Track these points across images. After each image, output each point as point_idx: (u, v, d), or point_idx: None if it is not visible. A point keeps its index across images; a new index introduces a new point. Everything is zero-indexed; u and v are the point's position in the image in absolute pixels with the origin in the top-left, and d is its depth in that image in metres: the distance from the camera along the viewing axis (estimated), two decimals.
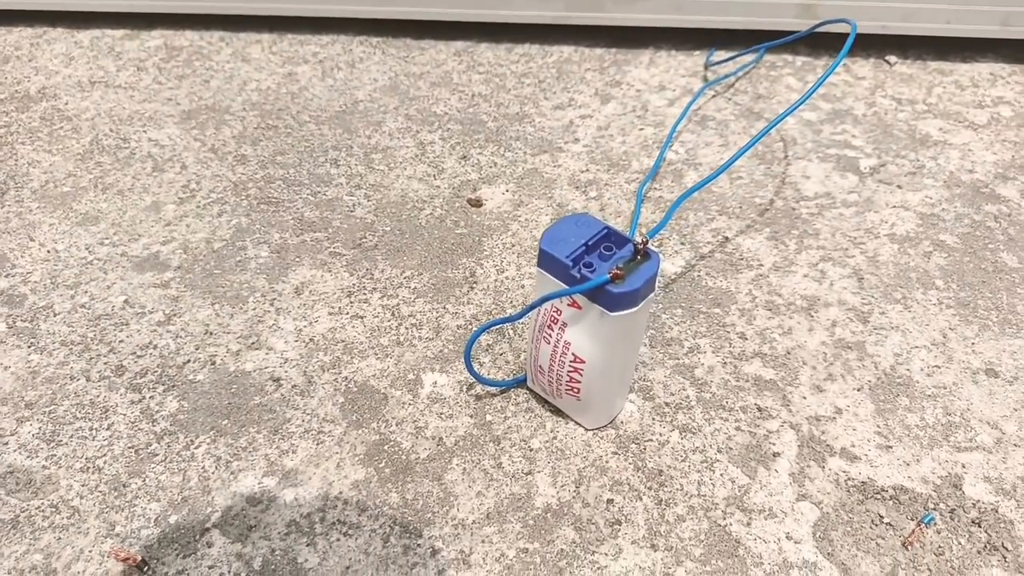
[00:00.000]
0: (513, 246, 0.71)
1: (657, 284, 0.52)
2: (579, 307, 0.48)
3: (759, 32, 0.98)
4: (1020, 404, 0.58)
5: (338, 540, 0.49)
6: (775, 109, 0.89)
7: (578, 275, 0.47)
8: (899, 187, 0.78)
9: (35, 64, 0.98)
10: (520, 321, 0.63)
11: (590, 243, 0.48)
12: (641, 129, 0.85)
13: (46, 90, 0.93)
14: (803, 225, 0.73)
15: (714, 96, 0.91)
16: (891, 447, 0.55)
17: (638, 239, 0.47)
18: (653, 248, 0.48)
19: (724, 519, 0.50)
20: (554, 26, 1.03)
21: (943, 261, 0.69)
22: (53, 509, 0.51)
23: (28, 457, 0.54)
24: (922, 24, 0.97)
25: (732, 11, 0.97)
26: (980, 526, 0.50)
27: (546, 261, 0.48)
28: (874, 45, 1.01)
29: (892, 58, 0.99)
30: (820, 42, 1.00)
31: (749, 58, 0.97)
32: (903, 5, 0.96)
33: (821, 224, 0.73)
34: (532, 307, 0.50)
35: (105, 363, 0.60)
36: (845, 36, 0.98)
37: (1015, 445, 0.55)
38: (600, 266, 0.47)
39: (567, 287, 0.47)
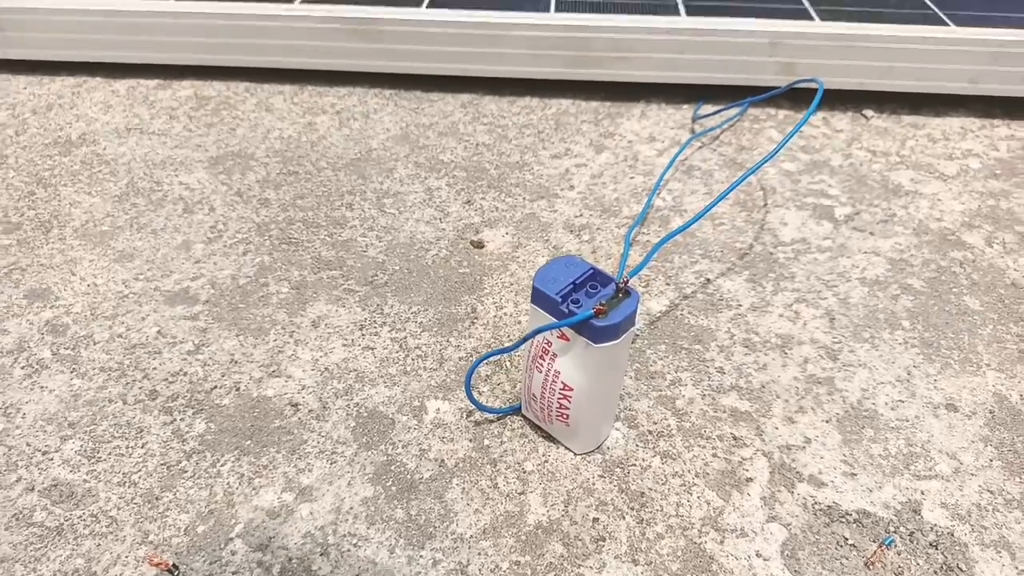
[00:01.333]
0: (511, 285, 0.77)
1: (637, 319, 0.58)
2: (567, 339, 0.54)
3: (744, 88, 1.06)
4: (977, 437, 0.63)
5: (348, 550, 0.54)
6: (757, 160, 0.95)
7: (566, 310, 0.53)
8: (871, 234, 0.84)
9: (76, 111, 1.06)
10: (515, 352, 0.69)
11: (577, 282, 0.54)
12: (632, 177, 0.92)
13: (86, 136, 1.01)
14: (780, 268, 0.79)
15: (700, 147, 0.98)
16: (856, 474, 0.60)
17: (621, 279, 0.53)
18: (633, 287, 0.54)
19: (700, 537, 0.55)
20: (553, 81, 1.11)
21: (910, 303, 0.75)
22: (93, 519, 0.56)
23: (71, 471, 0.60)
24: (897, 81, 1.04)
25: (718, 68, 1.04)
26: (937, 548, 0.55)
27: (538, 298, 0.55)
28: (852, 100, 1.08)
29: (869, 112, 1.06)
30: (801, 97, 1.07)
31: (735, 111, 1.04)
32: (879, 64, 1.03)
33: (796, 268, 0.79)
34: (526, 339, 0.56)
35: (140, 388, 0.66)
36: (826, 92, 1.05)
37: (971, 474, 0.60)
38: (586, 302, 0.53)
39: (556, 320, 0.53)
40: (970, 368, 0.68)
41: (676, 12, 1.06)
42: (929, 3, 1.10)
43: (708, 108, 1.05)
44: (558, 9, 1.07)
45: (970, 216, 0.87)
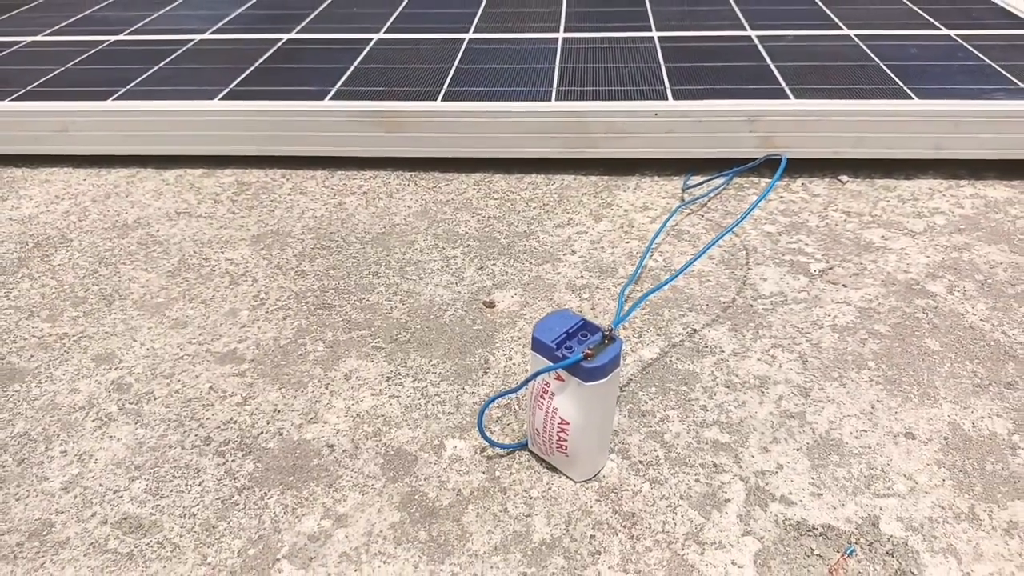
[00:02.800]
0: (520, 339, 0.87)
1: (622, 362, 0.67)
2: (562, 379, 0.63)
3: (727, 160, 1.17)
4: (932, 460, 0.71)
5: (379, 566, 0.63)
6: (741, 225, 1.06)
7: (560, 355, 0.63)
8: (844, 286, 0.93)
9: (131, 199, 1.20)
10: (519, 393, 0.78)
11: (570, 331, 0.64)
12: (627, 242, 1.03)
13: (140, 220, 1.14)
14: (759, 319, 0.88)
15: (689, 214, 1.09)
16: (822, 494, 0.68)
17: (607, 329, 0.63)
18: (617, 335, 0.63)
19: (683, 550, 0.63)
20: (556, 160, 1.23)
21: (876, 346, 0.84)
22: (159, 545, 0.66)
23: (138, 507, 0.69)
24: (868, 149, 1.15)
25: (703, 144, 1.16)
26: (893, 556, 0.63)
27: (537, 345, 0.64)
28: (829, 167, 1.19)
29: (844, 177, 1.17)
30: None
31: (721, 181, 1.15)
32: (850, 135, 1.14)
33: (774, 318, 0.88)
34: (528, 381, 0.65)
35: (196, 435, 0.76)
36: (803, 160, 1.17)
37: (925, 492, 0.68)
38: (577, 348, 0.63)
39: (552, 364, 0.63)
40: (928, 401, 0.77)
41: (664, 96, 1.19)
42: (896, 79, 1.22)
43: (696, 179, 1.16)
44: (559, 98, 1.20)
45: (934, 267, 0.96)
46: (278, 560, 0.64)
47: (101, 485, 0.72)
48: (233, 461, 0.73)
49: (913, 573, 0.61)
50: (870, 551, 0.63)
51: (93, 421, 0.79)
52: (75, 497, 0.70)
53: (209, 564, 0.64)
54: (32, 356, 0.87)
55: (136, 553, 0.65)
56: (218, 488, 0.70)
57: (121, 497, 0.70)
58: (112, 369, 0.85)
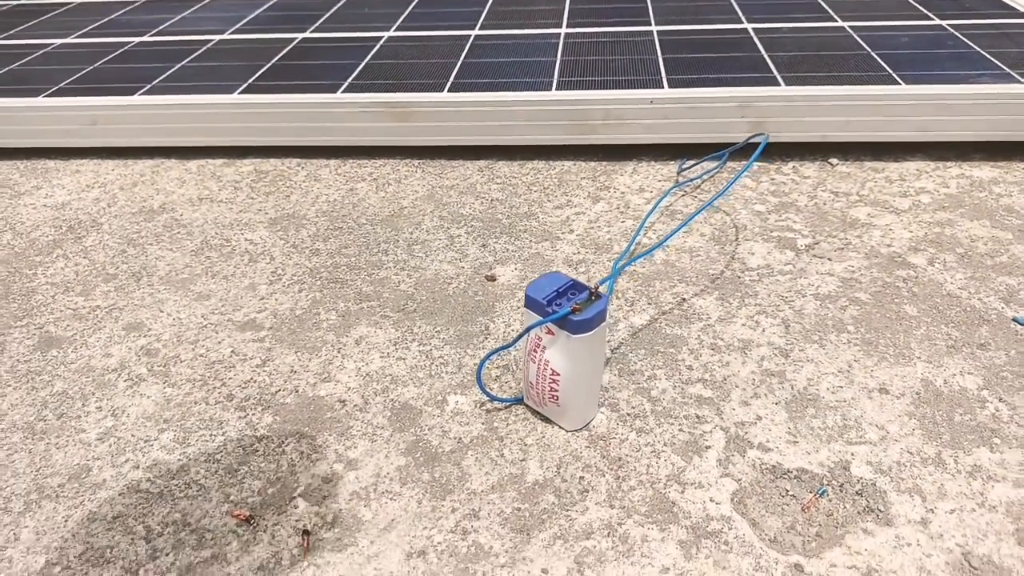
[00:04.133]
0: (518, 308, 0.92)
1: (608, 318, 0.72)
2: (553, 333, 0.69)
3: (720, 144, 1.22)
4: (903, 413, 0.75)
5: (385, 503, 0.68)
6: (732, 204, 1.11)
7: (551, 311, 0.68)
8: (828, 259, 0.98)
9: (156, 186, 1.27)
10: (514, 348, 0.84)
11: (560, 290, 0.70)
12: (623, 222, 1.08)
13: (165, 205, 1.21)
14: (745, 289, 0.93)
15: (683, 195, 1.14)
16: (797, 442, 0.73)
17: (593, 287, 0.68)
18: (602, 293, 0.69)
19: (664, 489, 0.68)
20: (557, 146, 1.29)
21: (856, 312, 0.89)
22: (186, 486, 0.72)
23: (167, 454, 0.75)
24: (855, 133, 1.20)
25: (697, 129, 1.22)
26: (861, 495, 0.68)
27: (530, 303, 0.70)
28: (820, 151, 1.24)
29: (834, 160, 1.22)
30: (773, 149, 1.23)
31: (715, 164, 1.20)
32: (837, 119, 1.19)
33: (760, 288, 0.93)
34: (521, 335, 0.71)
35: (219, 392, 0.82)
36: (796, 144, 1.22)
37: (895, 440, 0.72)
38: (566, 305, 0.69)
39: (543, 318, 0.69)
40: (903, 360, 0.81)
41: (660, 85, 1.25)
42: (885, 66, 1.27)
43: (690, 163, 1.21)
44: (559, 88, 1.26)
45: (917, 242, 1.01)
46: (294, 498, 0.70)
47: (133, 436, 0.78)
48: (253, 415, 0.79)
49: (880, 510, 0.66)
50: (841, 491, 0.68)
51: (125, 381, 0.85)
52: (110, 446, 0.77)
53: (232, 501, 0.70)
54: (68, 326, 0.94)
55: (166, 492, 0.71)
56: (240, 438, 0.77)
57: (151, 446, 0.77)
58: (141, 336, 0.92)
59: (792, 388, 0.79)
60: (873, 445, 0.72)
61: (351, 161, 1.31)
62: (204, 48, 1.57)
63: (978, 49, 1.32)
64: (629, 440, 0.73)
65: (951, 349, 0.83)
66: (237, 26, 1.71)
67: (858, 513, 0.66)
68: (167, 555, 0.66)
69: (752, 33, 1.47)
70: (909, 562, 0.61)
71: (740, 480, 0.69)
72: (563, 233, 1.07)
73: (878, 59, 1.30)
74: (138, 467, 0.74)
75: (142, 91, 1.36)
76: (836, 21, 1.51)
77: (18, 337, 0.93)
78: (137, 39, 1.66)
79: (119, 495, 0.71)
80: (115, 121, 1.34)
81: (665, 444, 0.73)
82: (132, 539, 0.68)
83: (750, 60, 1.33)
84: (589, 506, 0.67)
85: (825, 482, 0.69)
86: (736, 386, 0.79)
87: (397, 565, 0.63)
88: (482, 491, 0.69)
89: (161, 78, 1.42)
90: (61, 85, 1.41)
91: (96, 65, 1.51)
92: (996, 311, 0.88)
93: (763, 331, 0.86)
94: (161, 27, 1.74)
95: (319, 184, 1.24)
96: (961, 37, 1.38)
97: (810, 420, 0.75)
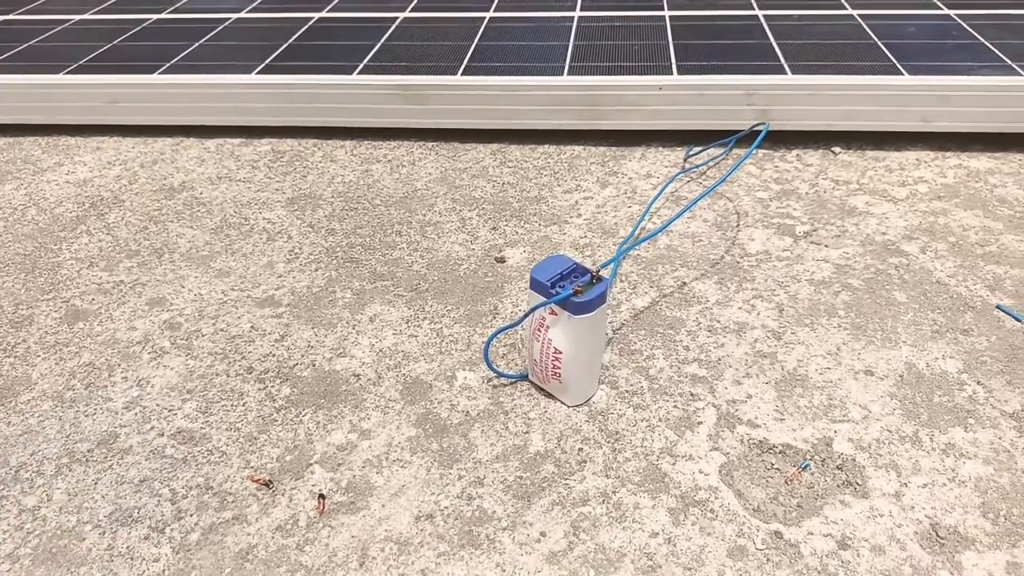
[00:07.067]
0: (526, 290, 0.96)
1: (610, 301, 0.76)
2: (556, 314, 0.73)
3: (727, 131, 1.25)
4: (886, 393, 0.79)
5: (396, 470, 0.73)
6: (735, 191, 1.14)
7: (554, 292, 0.72)
8: (825, 246, 1.02)
9: (176, 165, 1.31)
10: (519, 327, 0.88)
11: (563, 273, 0.74)
12: (629, 207, 1.12)
13: (186, 183, 1.25)
14: (743, 273, 0.97)
15: (689, 181, 1.18)
16: (784, 419, 0.77)
17: (595, 270, 0.72)
18: (604, 276, 0.73)
19: (657, 460, 0.73)
20: (568, 131, 1.32)
21: (847, 298, 0.92)
22: (208, 452, 0.77)
23: (190, 422, 0.80)
24: (858, 122, 1.23)
25: (705, 116, 1.24)
26: (842, 469, 0.72)
27: (535, 285, 0.74)
28: (823, 139, 1.27)
29: (837, 149, 1.25)
30: (778, 138, 1.26)
31: (720, 152, 1.23)
32: (841, 108, 1.22)
33: (757, 273, 0.97)
34: (526, 315, 0.75)
35: (239, 365, 0.87)
36: (800, 133, 1.25)
37: (876, 419, 0.77)
38: (569, 287, 0.73)
39: (547, 299, 0.73)
40: (889, 344, 0.85)
41: (669, 72, 1.27)
42: (890, 56, 1.29)
43: (697, 149, 1.24)
44: (570, 73, 1.29)
45: (911, 231, 1.04)
46: (311, 464, 0.75)
47: (158, 405, 0.83)
48: (272, 387, 0.84)
49: (858, 483, 0.70)
50: (822, 466, 0.72)
51: (149, 353, 0.90)
52: (136, 414, 0.82)
53: (252, 467, 0.75)
54: (93, 299, 0.99)
55: (189, 458, 0.76)
56: (259, 408, 0.81)
57: (175, 415, 0.82)
58: (164, 311, 0.97)
59: (782, 369, 0.83)
60: (855, 423, 0.76)
61: (366, 142, 1.34)
62: (222, 26, 1.61)
63: (983, 40, 1.33)
64: (626, 416, 0.78)
65: (935, 334, 0.86)
66: (254, 4, 1.74)
67: (837, 486, 0.70)
68: (191, 516, 0.71)
69: (763, 20, 1.49)
70: (881, 531, 0.66)
71: (728, 454, 0.73)
72: (571, 217, 1.11)
73: (884, 48, 1.32)
74: (163, 434, 0.79)
75: (162, 69, 1.39)
76: (846, 8, 1.53)
77: (45, 310, 0.98)
78: (155, 16, 1.69)
79: (145, 459, 0.77)
80: (136, 100, 1.38)
81: (660, 420, 0.77)
82: (158, 500, 0.73)
83: (759, 47, 1.35)
84: (586, 475, 0.72)
85: (808, 457, 0.73)
86: (729, 366, 0.83)
87: (406, 527, 0.68)
88: (487, 460, 0.74)
89: (180, 56, 1.45)
90: (81, 62, 1.45)
91: (115, 42, 1.55)
92: (981, 298, 0.91)
93: (758, 314, 0.90)
94: (178, 4, 1.77)
95: (335, 165, 1.28)
96: (967, 28, 1.40)
97: (797, 399, 0.79)
